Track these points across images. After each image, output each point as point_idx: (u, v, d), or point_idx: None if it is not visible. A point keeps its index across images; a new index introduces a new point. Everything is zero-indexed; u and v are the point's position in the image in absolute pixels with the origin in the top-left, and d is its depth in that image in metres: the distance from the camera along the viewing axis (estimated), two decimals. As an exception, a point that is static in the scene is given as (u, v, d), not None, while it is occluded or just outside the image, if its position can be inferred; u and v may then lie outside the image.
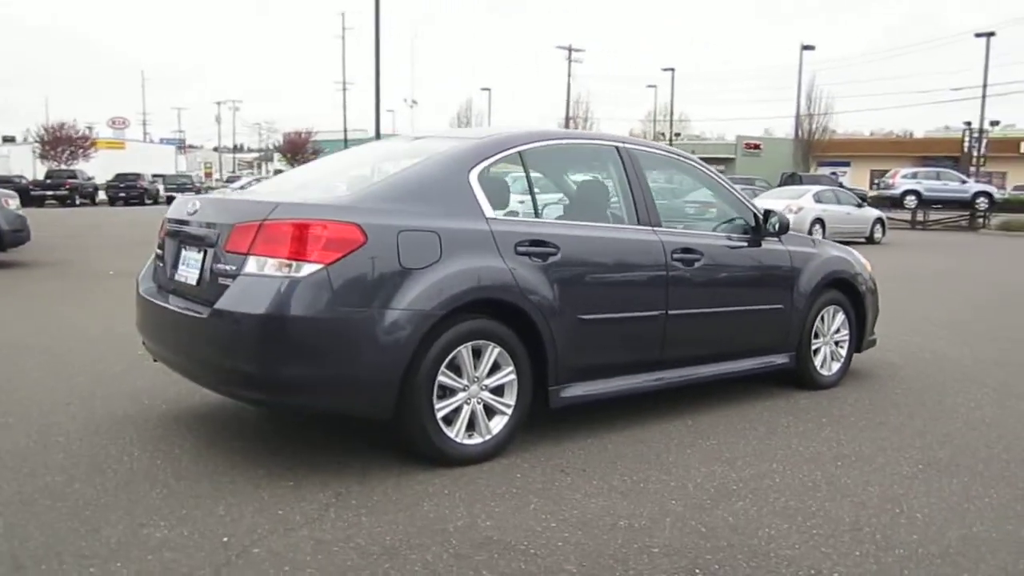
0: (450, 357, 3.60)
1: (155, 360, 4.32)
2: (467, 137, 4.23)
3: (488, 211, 3.83)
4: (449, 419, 3.65)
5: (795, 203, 19.89)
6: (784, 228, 4.99)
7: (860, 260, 5.75)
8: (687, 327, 4.56)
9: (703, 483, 3.61)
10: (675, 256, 4.46)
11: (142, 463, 3.68)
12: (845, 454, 4.06)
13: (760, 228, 4.99)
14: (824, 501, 3.43)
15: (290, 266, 3.32)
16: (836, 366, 5.51)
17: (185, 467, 3.64)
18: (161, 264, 4.16)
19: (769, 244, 5.04)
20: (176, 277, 3.94)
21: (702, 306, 4.63)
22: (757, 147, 63.38)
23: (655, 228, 4.47)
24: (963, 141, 46.59)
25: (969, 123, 41.47)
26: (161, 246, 4.19)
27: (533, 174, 4.10)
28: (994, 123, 43.92)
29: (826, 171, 46.39)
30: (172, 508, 3.18)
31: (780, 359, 5.13)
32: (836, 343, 5.51)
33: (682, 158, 4.97)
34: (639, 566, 2.80)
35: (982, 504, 3.44)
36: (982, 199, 29.79)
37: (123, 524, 3.03)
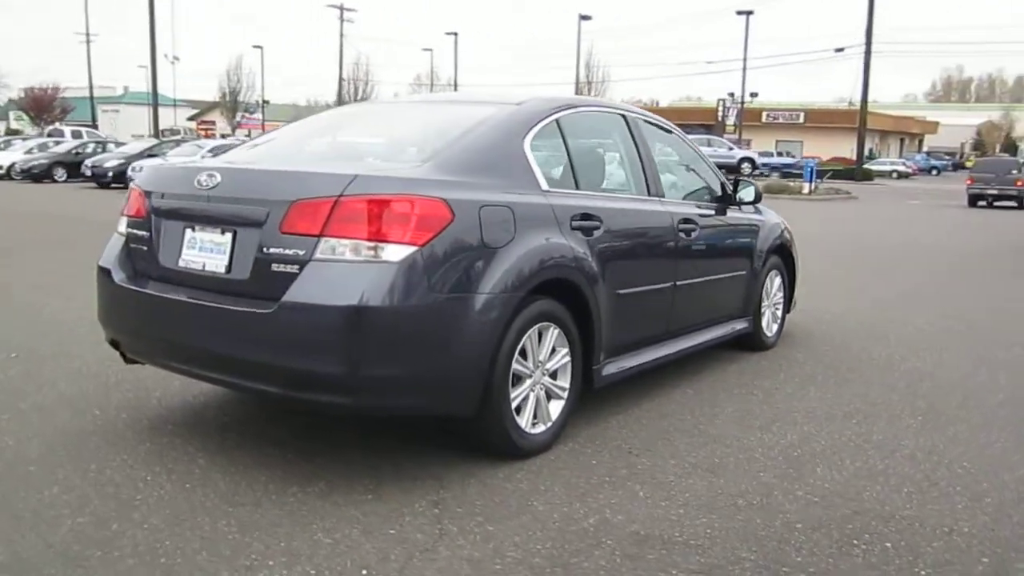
0: (522, 343, 3.33)
1: (133, 361, 3.62)
2: (496, 102, 3.88)
3: (543, 183, 3.57)
4: (519, 409, 3.39)
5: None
6: (758, 198, 5.14)
7: (786, 224, 6.09)
8: (689, 298, 4.59)
9: (768, 451, 3.66)
10: (679, 227, 4.45)
11: (171, 487, 3.06)
12: (850, 411, 4.30)
13: (727, 196, 5.10)
14: (883, 459, 3.61)
15: (374, 249, 2.87)
16: (775, 327, 5.82)
17: (228, 488, 3.08)
18: (144, 248, 3.44)
19: (733, 212, 5.18)
20: (181, 263, 3.28)
21: (699, 276, 4.67)
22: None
23: (661, 199, 4.43)
24: (717, 110, 51.46)
25: (732, 94, 45.46)
26: (140, 225, 3.47)
27: (569, 143, 3.87)
28: (753, 94, 48.51)
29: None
30: (265, 543, 2.68)
31: (741, 324, 5.32)
32: (774, 305, 5.81)
33: (662, 125, 4.94)
34: (802, 543, 2.78)
35: (994, 443, 3.80)
36: (746, 164, 33.01)
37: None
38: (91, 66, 55.25)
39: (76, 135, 30.19)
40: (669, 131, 4.92)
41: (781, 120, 60.57)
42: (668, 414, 4.16)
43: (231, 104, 60.40)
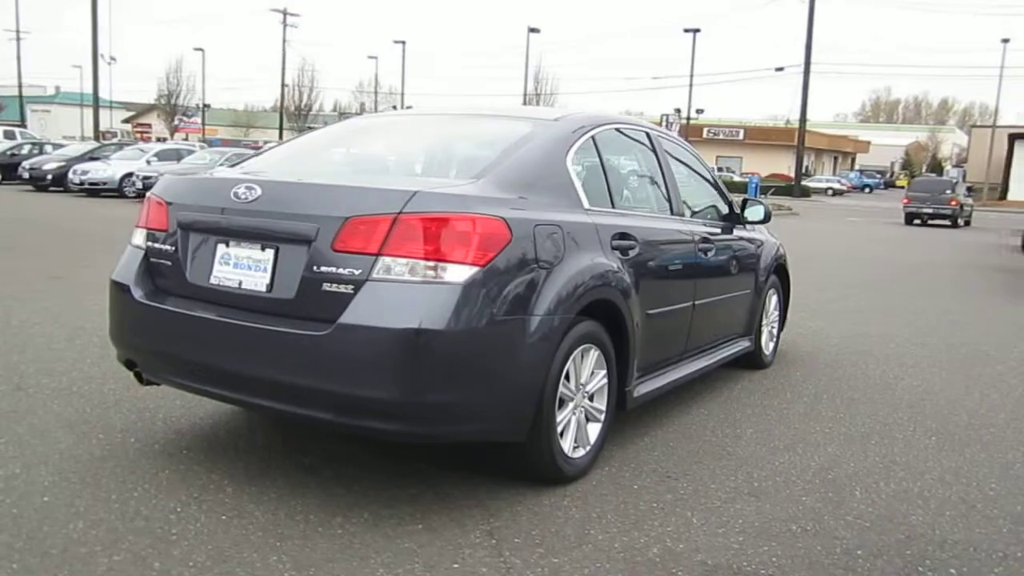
0: (567, 365, 3.25)
1: (149, 383, 3.41)
2: (531, 117, 3.79)
3: (584, 201, 3.49)
4: (562, 433, 3.30)
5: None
6: (768, 218, 5.16)
7: (780, 243, 6.15)
8: (705, 317, 4.57)
9: (802, 474, 3.64)
10: (699, 246, 4.43)
11: (206, 519, 2.87)
12: (866, 432, 4.33)
13: (735, 215, 5.11)
14: (914, 481, 3.63)
15: (435, 269, 2.75)
16: (771, 346, 5.86)
17: (267, 519, 2.91)
18: (167, 263, 3.24)
19: (738, 231, 5.19)
20: (213, 281, 3.09)
21: (713, 295, 4.66)
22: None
23: (682, 218, 4.41)
24: (660, 124, 52.34)
25: (678, 109, 46.27)
26: (163, 239, 3.26)
27: (604, 160, 3.81)
28: (699, 111, 49.47)
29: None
30: (324, 578, 2.52)
31: (745, 343, 5.33)
32: (771, 324, 5.85)
33: (678, 142, 4.92)
34: (869, 572, 2.75)
35: (1014, 463, 3.87)
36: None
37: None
38: (20, 64, 53.13)
39: (9, 135, 28.87)
40: (684, 148, 4.90)
41: (722, 136, 61.92)
42: (692, 436, 4.12)
43: (170, 107, 58.74)
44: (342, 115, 68.12)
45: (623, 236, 3.63)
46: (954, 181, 28.69)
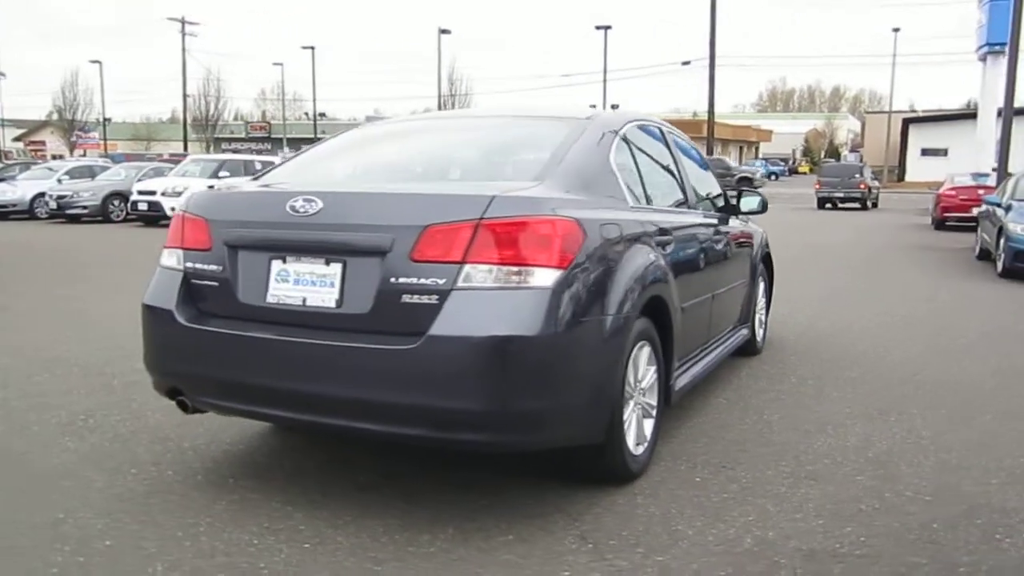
0: (630, 364, 3.25)
1: (196, 411, 3.25)
2: (565, 116, 3.76)
3: (628, 199, 3.50)
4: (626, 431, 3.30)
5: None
6: (765, 208, 5.27)
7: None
8: (720, 307, 4.65)
9: (845, 455, 3.74)
10: (712, 239, 4.50)
11: (289, 550, 2.75)
12: (883, 409, 4.48)
13: (731, 207, 5.21)
14: (949, 453, 3.77)
15: (521, 275, 2.70)
16: (761, 332, 6.00)
17: (352, 543, 2.80)
18: (213, 283, 3.08)
19: (733, 221, 5.30)
20: (271, 299, 2.96)
21: (725, 285, 4.75)
22: (387, 127, 64.94)
23: (697, 211, 4.47)
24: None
25: (594, 105, 46.81)
26: (205, 258, 3.10)
27: (636, 158, 3.82)
28: (614, 106, 50.20)
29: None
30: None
31: (745, 331, 5.45)
32: (760, 311, 5.99)
33: (682, 136, 4.97)
34: (957, 542, 2.85)
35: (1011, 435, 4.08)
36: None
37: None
38: None
39: None
40: (685, 141, 4.96)
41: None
42: (726, 425, 4.18)
43: (65, 123, 55.89)
44: (247, 123, 66.38)
45: (662, 232, 3.66)
46: (862, 165, 30.00)
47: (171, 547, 2.78)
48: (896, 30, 48.21)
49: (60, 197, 19.15)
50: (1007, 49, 26.72)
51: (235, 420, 3.98)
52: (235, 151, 49.01)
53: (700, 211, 4.52)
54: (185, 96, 52.59)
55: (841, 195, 27.83)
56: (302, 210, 2.90)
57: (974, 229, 17.10)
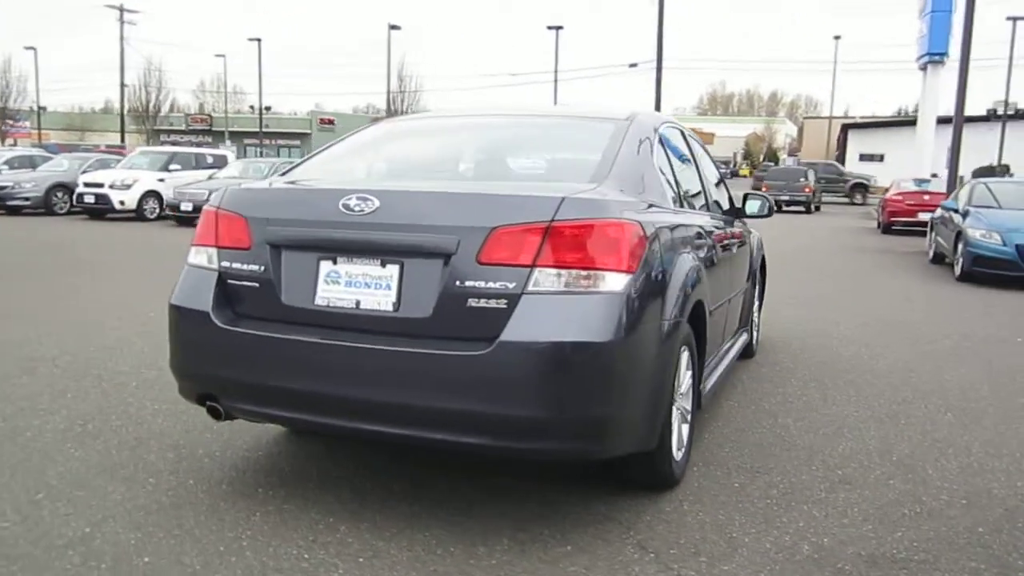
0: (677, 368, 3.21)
1: (229, 417, 3.09)
2: (605, 117, 3.69)
3: (671, 201, 3.46)
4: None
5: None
6: (770, 212, 5.30)
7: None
8: (732, 311, 4.65)
9: (870, 458, 3.77)
10: (729, 241, 4.51)
11: (344, 564, 2.62)
12: (891, 413, 4.56)
13: (736, 209, 5.23)
14: (968, 455, 3.84)
15: (593, 278, 2.63)
16: (755, 335, 6.05)
17: (409, 557, 2.70)
18: (253, 284, 2.93)
19: (737, 224, 5.32)
20: (320, 301, 2.82)
21: (736, 289, 4.76)
22: (331, 123, 64.02)
23: (714, 213, 4.46)
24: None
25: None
26: (244, 258, 2.95)
27: (671, 159, 3.78)
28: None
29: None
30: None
31: (745, 335, 5.48)
32: (754, 314, 6.04)
33: (695, 137, 4.95)
34: (1007, 544, 2.89)
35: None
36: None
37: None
38: None
39: None
40: (699, 143, 4.96)
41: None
42: (745, 429, 4.18)
43: (-4, 112, 53.45)
44: (187, 116, 64.50)
45: (698, 235, 3.63)
46: (806, 169, 30.71)
47: (216, 563, 2.63)
48: (837, 38, 49.60)
49: (0, 188, 18.30)
50: (946, 59, 27.73)
51: (246, 426, 3.83)
52: (174, 143, 47.59)
53: (718, 214, 4.51)
54: (123, 86, 50.87)
55: (787, 198, 28.40)
56: (357, 209, 2.78)
57: (920, 233, 17.77)
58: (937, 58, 27.36)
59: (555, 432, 2.64)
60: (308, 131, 62.22)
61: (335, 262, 2.83)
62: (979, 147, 33.14)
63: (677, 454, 3.34)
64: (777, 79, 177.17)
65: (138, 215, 17.23)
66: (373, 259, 2.78)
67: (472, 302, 2.63)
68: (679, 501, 3.22)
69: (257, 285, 2.93)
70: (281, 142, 59.03)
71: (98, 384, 4.71)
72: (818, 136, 55.94)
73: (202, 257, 3.10)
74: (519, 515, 3.03)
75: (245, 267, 2.95)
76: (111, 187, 17.06)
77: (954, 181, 16.79)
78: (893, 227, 19.30)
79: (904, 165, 32.90)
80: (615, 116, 3.65)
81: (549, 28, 37.49)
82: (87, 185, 17.40)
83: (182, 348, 3.08)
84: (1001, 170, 33.56)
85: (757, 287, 5.98)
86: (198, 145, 40.22)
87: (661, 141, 3.71)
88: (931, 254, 12.97)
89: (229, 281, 2.99)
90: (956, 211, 11.39)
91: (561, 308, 2.60)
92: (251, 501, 3.13)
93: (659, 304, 2.89)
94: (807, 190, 28.43)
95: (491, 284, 2.62)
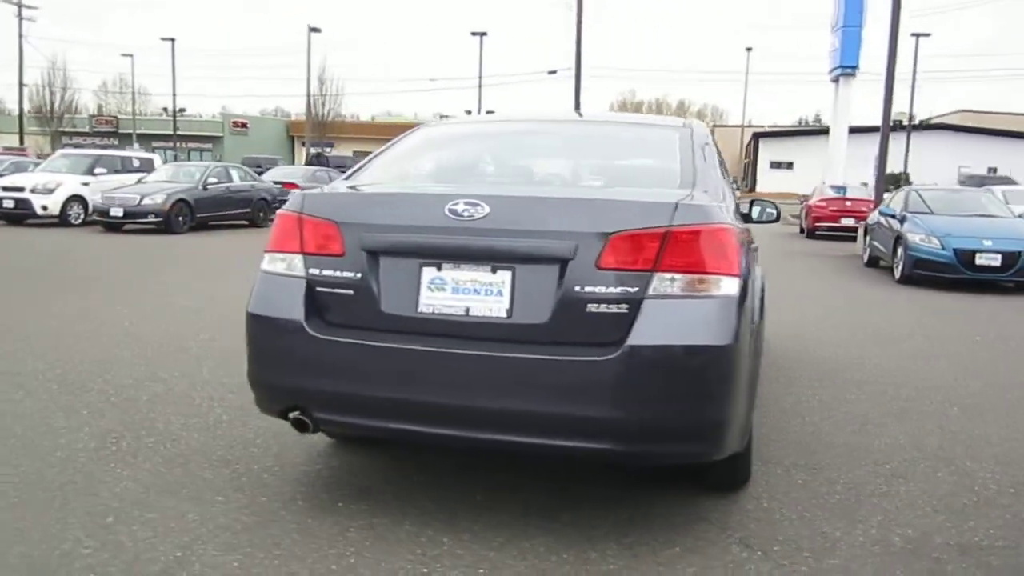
0: None
1: (317, 430, 2.99)
2: (667, 125, 3.73)
3: (735, 206, 3.54)
4: (737, 436, 3.34)
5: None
6: (779, 217, 5.45)
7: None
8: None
9: (904, 452, 3.95)
10: (755, 245, 4.62)
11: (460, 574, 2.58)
12: (901, 409, 4.77)
13: (742, 214, 5.36)
14: (992, 446, 4.06)
15: (708, 283, 2.67)
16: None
17: (530, 569, 2.67)
18: (348, 291, 2.84)
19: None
20: (424, 308, 2.76)
21: (760, 291, 4.87)
22: (244, 126, 62.34)
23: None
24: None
25: (469, 111, 46.92)
26: (337, 264, 2.86)
27: (721, 166, 3.86)
28: (490, 111, 50.46)
29: (314, 151, 47.34)
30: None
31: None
32: (747, 315, 6.21)
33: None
34: (1069, 532, 3.07)
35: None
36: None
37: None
38: None
39: None
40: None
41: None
42: (777, 428, 4.30)
43: None
44: (92, 117, 61.56)
45: (751, 240, 3.73)
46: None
47: (334, 581, 2.55)
48: (749, 49, 51.51)
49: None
50: (856, 72, 29.12)
51: (291, 440, 3.73)
52: (77, 146, 45.40)
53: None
54: (21, 86, 48.27)
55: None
56: (466, 214, 2.74)
57: (843, 238, 18.62)
58: (849, 71, 28.71)
59: (681, 435, 2.68)
60: (220, 134, 60.28)
61: (439, 268, 2.78)
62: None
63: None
64: (685, 89, 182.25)
65: (62, 221, 16.36)
66: (483, 265, 2.74)
67: (591, 307, 2.63)
68: (757, 499, 3.29)
69: (352, 293, 2.85)
70: (192, 145, 56.99)
71: (106, 399, 4.47)
72: (729, 144, 57.87)
73: (282, 264, 2.99)
74: (610, 521, 3.05)
75: (339, 274, 2.86)
76: (32, 191, 16.14)
77: (881, 188, 17.64)
78: (817, 232, 20.11)
79: (813, 173, 34.43)
80: (671, 123, 3.71)
81: (473, 34, 37.62)
82: (5, 189, 16.39)
83: (268, 359, 2.96)
84: (904, 178, 35.54)
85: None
86: (103, 148, 38.49)
87: (716, 148, 3.79)
88: (866, 258, 13.59)
89: (319, 289, 2.90)
90: (894, 217, 11.98)
91: (683, 312, 2.64)
92: (338, 516, 3.03)
93: (750, 307, 2.96)
94: (729, 196, 29.33)
95: (611, 289, 2.63)
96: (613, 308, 2.63)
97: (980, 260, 10.50)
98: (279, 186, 19.56)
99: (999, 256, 10.47)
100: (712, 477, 3.28)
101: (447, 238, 2.77)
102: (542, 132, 3.92)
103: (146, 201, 15.29)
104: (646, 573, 2.66)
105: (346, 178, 3.41)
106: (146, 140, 53.90)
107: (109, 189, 16.02)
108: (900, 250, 11.29)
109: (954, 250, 10.56)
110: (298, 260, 2.95)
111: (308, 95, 43.53)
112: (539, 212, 2.78)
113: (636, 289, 2.63)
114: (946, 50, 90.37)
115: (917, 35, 38.01)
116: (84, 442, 3.77)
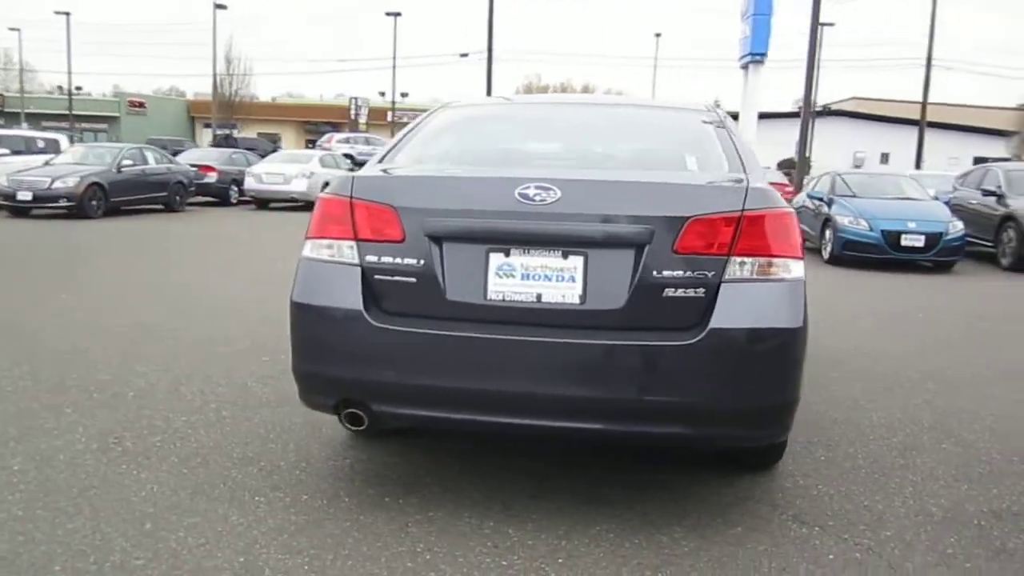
0: None
1: (372, 424, 2.88)
2: (697, 109, 3.73)
3: (770, 191, 3.60)
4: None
5: (306, 167, 19.95)
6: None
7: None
8: None
9: (920, 426, 4.12)
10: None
11: None
12: (885, 387, 4.98)
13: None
14: (1004, 422, 4.28)
15: (780, 267, 2.70)
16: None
17: (609, 569, 2.66)
18: (410, 279, 2.73)
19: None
20: (493, 296, 2.69)
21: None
22: (142, 106, 59.45)
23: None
24: (349, 108, 52.32)
25: (383, 93, 46.05)
26: (397, 251, 2.74)
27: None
28: (404, 94, 49.64)
29: (222, 132, 45.61)
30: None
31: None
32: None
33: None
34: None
35: None
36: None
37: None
38: None
39: None
40: None
41: (406, 120, 62.77)
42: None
43: None
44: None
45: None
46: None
47: (416, 579, 2.47)
48: (658, 35, 52.41)
49: None
50: (764, 59, 30.01)
51: (306, 433, 3.63)
52: (-44, 126, 42.29)
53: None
54: None
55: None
56: (537, 199, 2.67)
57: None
58: (758, 58, 29.43)
59: (753, 417, 2.71)
60: (116, 114, 57.19)
61: (507, 254, 2.71)
62: (782, 141, 36.59)
63: (780, 433, 3.50)
64: (592, 72, 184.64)
65: (-41, 206, 15.23)
66: (554, 251, 2.69)
67: (669, 292, 2.63)
68: (791, 476, 3.38)
69: (415, 280, 2.74)
70: (86, 126, 53.87)
71: (90, 397, 4.20)
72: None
73: (329, 251, 2.85)
74: (664, 504, 3.06)
75: (400, 261, 2.75)
76: (-71, 175, 14.95)
77: (803, 173, 18.34)
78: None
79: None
80: (697, 107, 3.73)
81: (388, 15, 36.94)
82: None
83: (320, 350, 2.83)
84: (807, 163, 37.00)
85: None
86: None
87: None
88: (792, 239, 14.09)
89: (376, 276, 2.78)
90: (822, 200, 12.47)
91: (759, 295, 2.67)
92: (390, 512, 2.94)
93: (805, 290, 3.02)
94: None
95: (689, 273, 2.63)
96: (691, 292, 2.63)
97: (905, 241, 11.06)
98: (195, 169, 18.80)
99: (923, 237, 11.05)
100: (752, 457, 3.34)
101: (517, 223, 2.70)
102: (579, 115, 3.86)
103: (57, 184, 14.40)
104: (722, 553, 2.69)
105: (379, 161, 3.28)
106: (35, 120, 50.68)
107: (14, 172, 15.00)
108: (829, 232, 11.77)
109: (882, 231, 11.08)
110: (350, 246, 2.82)
111: (215, 74, 41.84)
112: (612, 196, 2.76)
113: (713, 273, 2.63)
114: (844, 40, 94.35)
115: (821, 24, 39.45)
116: (84, 443, 3.53)
